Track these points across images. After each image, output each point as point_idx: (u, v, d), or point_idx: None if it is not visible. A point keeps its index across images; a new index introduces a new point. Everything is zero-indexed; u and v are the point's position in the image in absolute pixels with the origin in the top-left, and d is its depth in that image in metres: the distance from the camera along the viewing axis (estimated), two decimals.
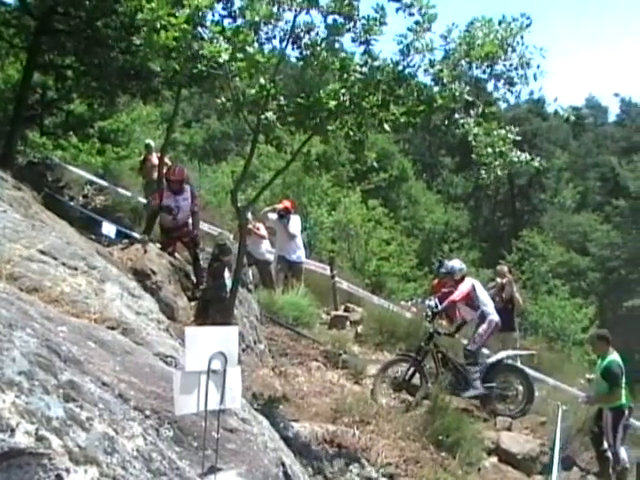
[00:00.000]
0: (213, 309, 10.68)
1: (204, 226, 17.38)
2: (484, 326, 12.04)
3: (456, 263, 12.95)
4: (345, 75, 7.76)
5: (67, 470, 2.63)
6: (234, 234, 13.80)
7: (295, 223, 15.54)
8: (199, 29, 7.84)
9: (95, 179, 20.95)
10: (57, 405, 2.81)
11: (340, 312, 16.66)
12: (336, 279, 18.18)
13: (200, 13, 7.72)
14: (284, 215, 15.30)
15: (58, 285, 4.29)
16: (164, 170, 14.99)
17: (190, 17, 7.51)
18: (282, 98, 7.88)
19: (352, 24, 7.93)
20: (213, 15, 8.47)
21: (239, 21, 10.33)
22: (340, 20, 7.94)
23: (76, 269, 4.77)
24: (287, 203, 16.05)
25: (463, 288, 12.21)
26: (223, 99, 8.37)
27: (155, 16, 7.38)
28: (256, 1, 7.81)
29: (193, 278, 12.55)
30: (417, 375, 11.76)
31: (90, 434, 2.84)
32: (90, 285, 4.62)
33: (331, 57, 7.77)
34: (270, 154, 28.33)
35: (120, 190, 20.29)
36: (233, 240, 12.19)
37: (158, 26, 7.39)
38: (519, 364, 13.02)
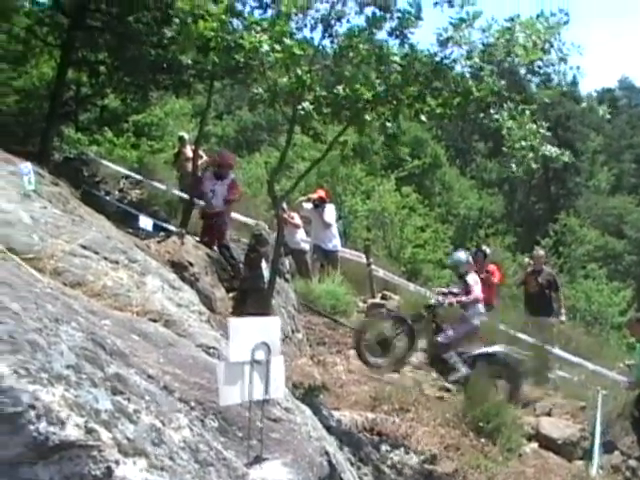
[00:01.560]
0: (251, 299, 10.72)
1: (239, 217, 17.43)
2: (464, 326, 11.59)
3: (462, 255, 12.37)
4: (382, 66, 7.74)
5: (117, 462, 2.66)
6: (270, 224, 13.84)
7: (330, 212, 15.54)
8: (235, 20, 7.87)
9: (130, 173, 21.10)
10: (105, 398, 2.84)
11: (377, 300, 16.61)
12: (372, 267, 18.13)
13: (238, 3, 7.75)
14: (319, 204, 15.32)
15: (100, 279, 4.33)
16: (198, 162, 15.11)
17: (228, 7, 7.54)
18: (318, 89, 7.87)
19: (389, 16, 7.90)
20: (244, 5, 8.52)
21: (269, 11, 10.38)
22: (378, 13, 7.91)
23: (117, 263, 4.81)
24: (322, 192, 16.06)
25: (476, 284, 11.70)
26: (258, 90, 8.38)
27: (193, 6, 7.43)
28: None
29: (229, 269, 12.60)
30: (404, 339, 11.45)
31: (138, 426, 2.87)
32: (131, 278, 4.66)
33: (368, 50, 7.75)
34: (304, 144, 28.31)
35: (155, 183, 20.40)
36: (269, 230, 12.21)
37: (195, 16, 7.43)
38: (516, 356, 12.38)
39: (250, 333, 3.23)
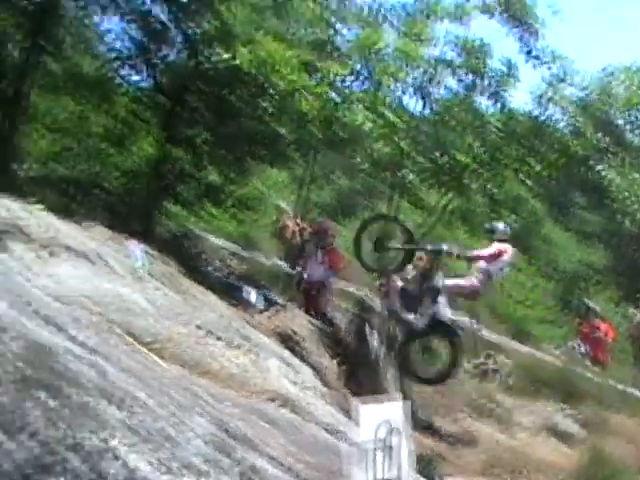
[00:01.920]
0: (361, 371, 10.69)
1: (341, 284, 17.49)
2: (462, 281, 11.62)
3: (500, 225, 11.90)
4: (481, 130, 7.75)
5: None
6: (373, 290, 13.83)
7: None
8: (335, 95, 8.03)
9: (233, 246, 21.47)
10: None
11: (485, 361, 16.32)
12: (475, 327, 17.86)
13: (337, 79, 7.93)
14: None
15: (218, 361, 4.42)
16: (299, 232, 15.31)
17: (328, 84, 7.72)
18: (418, 156, 7.93)
19: (483, 79, 7.93)
20: (342, 82, 8.70)
21: (366, 83, 10.56)
22: (472, 77, 7.96)
23: (233, 343, 4.90)
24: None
25: (490, 249, 11.53)
26: (359, 160, 8.51)
27: (294, 85, 7.63)
28: (388, 63, 7.95)
29: (336, 339, 12.60)
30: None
31: None
32: (248, 358, 4.74)
33: (466, 114, 7.79)
34: (403, 208, 28.28)
35: (258, 255, 20.70)
36: (374, 297, 12.20)
37: (297, 95, 7.62)
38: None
39: (377, 416, 3.23)
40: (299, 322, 11.80)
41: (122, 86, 19.85)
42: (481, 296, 11.95)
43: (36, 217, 8.51)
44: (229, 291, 15.19)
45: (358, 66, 10.97)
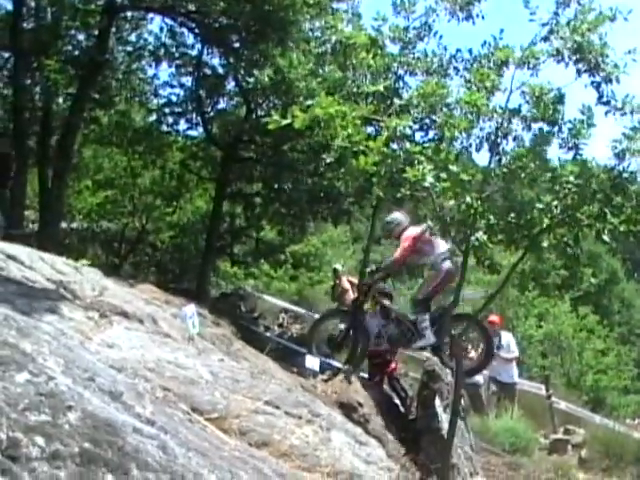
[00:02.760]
0: (426, 441, 10.47)
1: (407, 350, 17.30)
2: (433, 274, 11.00)
3: (398, 215, 11.59)
4: (557, 187, 7.62)
5: None
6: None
7: (509, 342, 15.21)
8: (397, 149, 7.98)
9: (290, 306, 21.46)
10: None
11: (560, 435, 15.90)
12: (552, 399, 17.47)
13: (400, 132, 7.88)
14: (493, 332, 15.00)
15: (286, 437, 4.35)
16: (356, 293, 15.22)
17: (388, 139, 7.68)
18: (491, 216, 7.81)
19: (557, 129, 7.83)
20: (407, 134, 8.65)
21: (430, 135, 10.51)
22: (544, 127, 7.86)
23: (300, 418, 4.83)
24: (495, 318, 15.73)
25: (403, 242, 11.07)
26: (423, 216, 8.43)
27: (352, 142, 7.59)
28: (454, 114, 7.90)
29: (401, 408, 12.41)
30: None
31: None
32: (317, 435, 4.66)
33: (538, 167, 7.67)
34: (470, 268, 28.02)
35: (316, 317, 20.62)
36: (442, 365, 11.98)
37: (356, 152, 7.59)
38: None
39: None
40: (362, 390, 11.64)
41: (172, 135, 20.19)
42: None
43: (84, 275, 8.59)
44: (285, 354, 15.12)
45: (421, 117, 10.94)
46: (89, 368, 3.42)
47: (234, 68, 17.26)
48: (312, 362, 12.99)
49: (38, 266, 7.90)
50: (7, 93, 16.96)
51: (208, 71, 18.55)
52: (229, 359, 6.39)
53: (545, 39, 7.91)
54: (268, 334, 18.68)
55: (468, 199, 7.64)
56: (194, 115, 18.95)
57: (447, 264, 11.03)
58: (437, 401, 10.95)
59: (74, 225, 20.88)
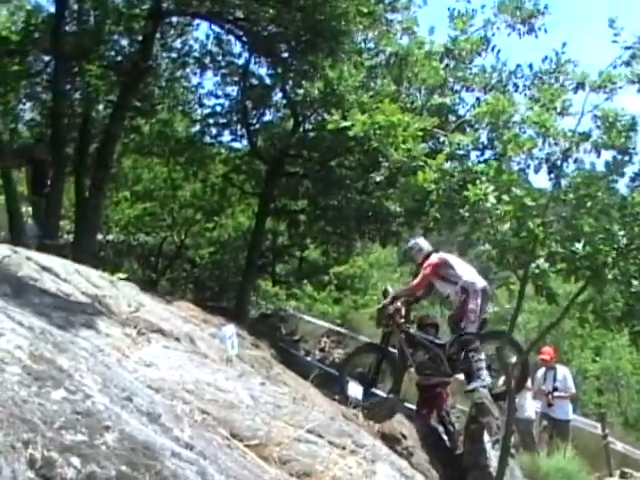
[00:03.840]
0: (472, 478, 10.36)
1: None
2: (471, 299, 11.04)
3: (420, 241, 12.15)
4: (626, 218, 7.51)
5: None
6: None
7: (565, 377, 15.01)
8: (456, 167, 7.93)
9: (333, 329, 21.39)
10: None
11: (616, 478, 15.65)
12: (609, 439, 17.19)
13: (459, 150, 7.85)
14: (548, 366, 14.83)
15: (329, 468, 4.33)
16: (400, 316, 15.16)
17: (449, 156, 7.65)
18: (553, 243, 7.72)
19: (627, 158, 7.73)
20: (466, 153, 8.60)
21: (491, 155, 10.45)
22: (615, 154, 7.76)
23: (344, 448, 4.80)
24: (550, 350, 15.54)
25: (424, 269, 11.46)
26: (485, 246, 8.35)
27: (411, 156, 7.56)
28: (517, 133, 7.85)
29: (448, 442, 12.29)
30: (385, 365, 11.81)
31: None
32: (360, 466, 4.63)
33: (606, 196, 7.57)
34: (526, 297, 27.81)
35: (361, 339, 20.55)
36: (491, 398, 11.87)
37: (410, 168, 7.56)
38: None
39: None
40: (406, 421, 11.55)
41: (216, 148, 20.29)
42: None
43: (120, 290, 8.67)
44: (326, 380, 15.08)
45: (482, 135, 10.91)
46: (126, 387, 3.44)
47: (282, 79, 17.35)
48: (355, 390, 12.97)
49: (73, 279, 7.99)
50: (46, 98, 17.16)
51: (255, 81, 18.67)
52: (269, 383, 6.40)
53: (627, 64, 7.82)
54: (309, 358, 18.67)
55: (530, 224, 7.57)
56: (239, 127, 19.10)
57: (480, 283, 11.24)
58: (486, 436, 10.84)
59: (110, 237, 21.08)
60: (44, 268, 7.87)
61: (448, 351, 11.46)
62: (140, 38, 16.35)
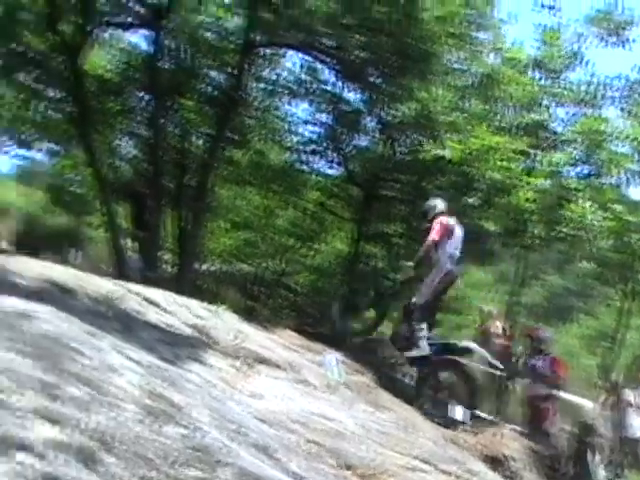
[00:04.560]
0: None
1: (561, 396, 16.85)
2: (433, 272, 11.51)
3: (437, 200, 12.43)
4: None
5: None
6: (600, 405, 13.21)
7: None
8: (554, 185, 7.85)
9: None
10: None
11: None
12: None
13: (556, 168, 7.78)
14: None
15: None
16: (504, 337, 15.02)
17: (546, 174, 7.58)
18: None
19: None
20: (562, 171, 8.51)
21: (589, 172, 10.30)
22: None
23: (452, 475, 4.76)
24: None
25: (436, 224, 11.66)
26: (584, 263, 8.23)
27: (508, 175, 7.52)
28: (614, 150, 7.74)
29: (554, 464, 12.06)
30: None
31: None
32: None
33: None
34: (625, 310, 27.17)
35: (461, 362, 20.30)
36: (599, 416, 11.65)
37: (510, 186, 7.51)
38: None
39: None
40: (512, 443, 11.39)
41: (310, 175, 20.40)
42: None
43: (222, 320, 8.78)
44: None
45: (579, 152, 10.74)
46: (237, 420, 3.47)
47: (374, 103, 17.39)
48: (458, 413, 12.85)
49: (175, 310, 8.13)
50: (144, 134, 17.58)
51: (346, 107, 18.69)
52: (375, 410, 6.39)
53: None
54: (409, 381, 18.53)
55: (630, 240, 7.44)
56: (332, 153, 19.15)
57: (449, 265, 11.61)
58: (593, 457, 10.60)
59: (210, 267, 21.32)
60: (148, 300, 8.04)
61: None
62: (232, 71, 16.64)
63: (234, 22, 17.15)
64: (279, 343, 9.31)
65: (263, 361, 6.58)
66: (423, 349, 11.54)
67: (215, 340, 7.20)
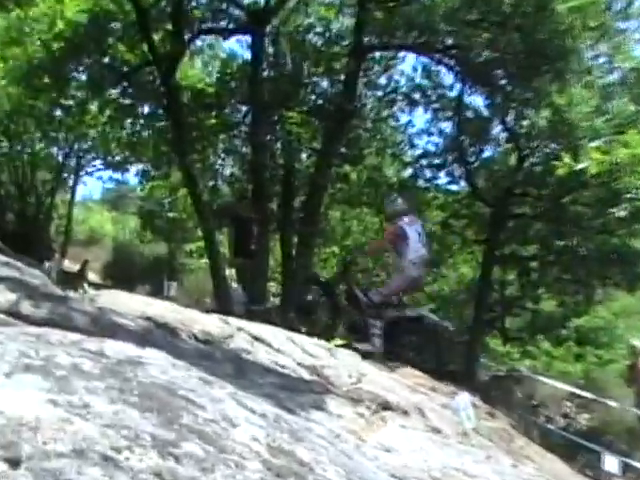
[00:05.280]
0: None
1: None
2: (398, 277, 12.36)
3: (397, 196, 13.74)
4: None
5: None
6: None
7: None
8: None
9: (576, 392, 20.77)
10: None
11: None
12: None
13: None
14: None
15: None
16: None
17: None
18: None
19: None
20: None
21: None
22: None
23: None
24: None
25: (387, 233, 12.69)
26: None
27: None
28: None
29: None
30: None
31: None
32: None
33: None
34: None
35: (610, 404, 19.84)
36: None
37: None
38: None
39: None
40: None
41: (430, 191, 20.27)
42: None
43: (338, 359, 8.75)
44: (573, 452, 14.66)
45: None
46: (370, 478, 3.42)
47: (501, 109, 17.17)
48: (611, 463, 12.54)
49: (287, 348, 8.13)
50: (245, 151, 17.75)
51: (470, 114, 18.53)
52: (516, 462, 6.26)
53: None
54: (550, 426, 18.21)
55: None
56: (456, 166, 19.00)
57: (415, 271, 12.18)
58: None
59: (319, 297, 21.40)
60: (255, 338, 8.08)
61: None
62: (342, 78, 16.67)
63: (342, 23, 17.22)
64: (402, 383, 9.22)
65: (388, 406, 6.50)
66: (375, 346, 12.07)
67: (333, 383, 7.16)
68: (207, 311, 10.73)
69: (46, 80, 16.71)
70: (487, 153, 19.48)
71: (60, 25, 16.03)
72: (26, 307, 5.35)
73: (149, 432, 2.29)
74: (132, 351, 3.25)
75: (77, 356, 2.78)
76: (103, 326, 5.46)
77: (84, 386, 2.40)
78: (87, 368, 2.64)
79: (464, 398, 8.52)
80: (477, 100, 18.74)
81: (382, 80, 18.62)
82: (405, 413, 6.49)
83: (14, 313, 5.11)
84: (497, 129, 18.74)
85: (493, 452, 6.34)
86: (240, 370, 5.67)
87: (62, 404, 2.14)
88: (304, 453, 3.11)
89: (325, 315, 13.27)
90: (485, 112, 18.41)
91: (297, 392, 5.56)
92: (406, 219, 12.34)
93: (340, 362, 8.54)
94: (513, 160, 18.44)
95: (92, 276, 23.14)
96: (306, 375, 7.11)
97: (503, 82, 16.58)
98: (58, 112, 19.43)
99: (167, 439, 2.31)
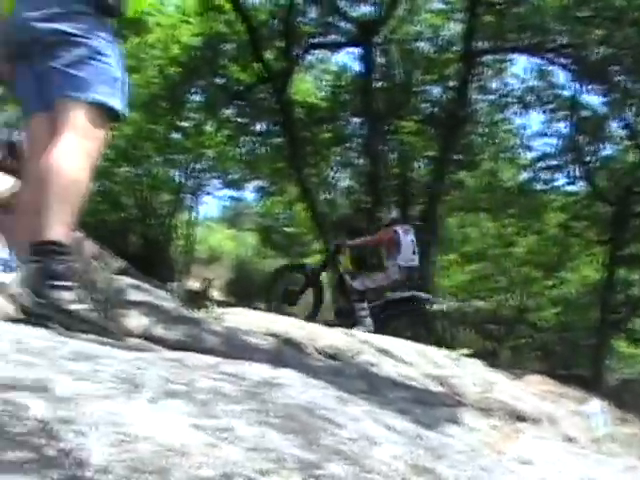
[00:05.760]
0: None
1: None
2: (382, 276, 12.69)
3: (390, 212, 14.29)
4: None
5: None
6: None
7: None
8: None
9: None
10: None
11: None
12: None
13: None
14: None
15: None
16: None
17: None
18: None
19: None
20: None
21: None
22: None
23: None
24: None
25: (383, 234, 13.01)
26: None
27: None
28: None
29: None
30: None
31: None
32: None
33: None
34: None
35: None
36: None
37: None
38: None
39: None
40: None
41: (549, 195, 20.01)
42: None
43: (464, 368, 8.67)
44: None
45: None
46: None
47: (620, 106, 16.84)
48: None
49: (413, 360, 8.09)
50: (360, 163, 17.80)
51: (587, 113, 18.23)
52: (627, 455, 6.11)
53: None
54: None
55: None
56: (574, 167, 18.71)
57: (398, 275, 12.68)
58: None
59: (442, 306, 21.33)
60: (381, 350, 8.06)
61: None
62: (453, 84, 16.60)
63: (452, 29, 17.14)
64: (530, 392, 9.08)
65: (519, 416, 6.42)
66: (369, 326, 12.27)
67: (461, 393, 7.10)
68: (328, 324, 10.88)
69: (164, 105, 17.11)
70: (606, 151, 19.13)
71: (175, 50, 16.39)
72: (159, 330, 5.45)
73: (292, 454, 2.30)
74: (268, 372, 3.27)
75: (217, 379, 2.82)
76: (234, 346, 5.51)
77: (226, 409, 2.43)
78: (227, 391, 2.68)
79: (596, 404, 8.38)
80: (592, 98, 18.44)
81: (494, 84, 18.44)
82: (537, 422, 6.40)
83: (149, 337, 5.21)
84: (615, 127, 18.42)
85: (632, 461, 6.19)
86: (372, 385, 5.65)
87: (207, 428, 2.17)
88: (445, 471, 3.08)
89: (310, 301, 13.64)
90: (602, 110, 18.09)
91: (430, 406, 5.52)
92: (401, 228, 12.94)
93: (465, 371, 8.47)
94: (633, 157, 18.09)
95: (215, 294, 23.43)
96: (433, 387, 7.06)
97: (620, 78, 16.26)
98: (175, 134, 19.77)
99: (310, 460, 2.32)
